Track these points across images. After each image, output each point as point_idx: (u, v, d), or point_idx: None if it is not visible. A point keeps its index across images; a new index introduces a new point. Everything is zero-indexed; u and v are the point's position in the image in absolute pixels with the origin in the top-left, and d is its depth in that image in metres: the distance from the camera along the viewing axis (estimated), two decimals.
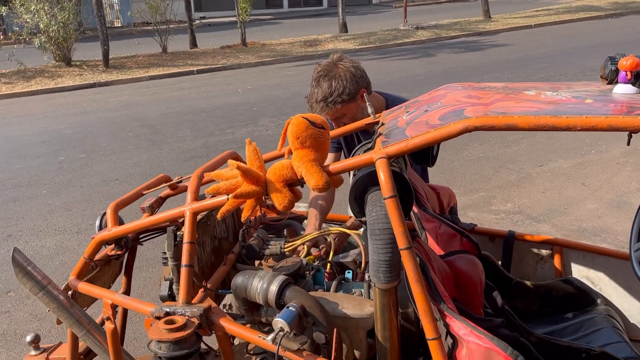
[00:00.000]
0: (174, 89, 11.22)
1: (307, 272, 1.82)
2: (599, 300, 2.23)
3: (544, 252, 2.40)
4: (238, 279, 1.59)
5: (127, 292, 2.31)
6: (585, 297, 2.25)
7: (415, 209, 2.02)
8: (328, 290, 1.77)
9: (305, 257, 1.95)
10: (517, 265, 2.45)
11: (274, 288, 1.53)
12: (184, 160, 6.32)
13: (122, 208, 1.87)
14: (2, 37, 14.09)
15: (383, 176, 1.41)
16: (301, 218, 2.42)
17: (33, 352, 2.21)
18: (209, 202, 1.65)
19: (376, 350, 1.57)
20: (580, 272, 2.34)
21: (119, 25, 24.53)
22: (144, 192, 1.99)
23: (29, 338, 2.19)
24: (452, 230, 1.96)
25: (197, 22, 23.78)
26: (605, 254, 2.26)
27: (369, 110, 2.02)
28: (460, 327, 1.34)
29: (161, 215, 1.73)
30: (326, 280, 1.89)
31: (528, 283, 2.32)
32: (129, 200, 1.92)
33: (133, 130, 7.86)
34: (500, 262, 2.42)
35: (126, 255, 2.26)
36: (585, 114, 1.34)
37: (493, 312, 1.96)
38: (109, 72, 13.04)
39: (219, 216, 1.54)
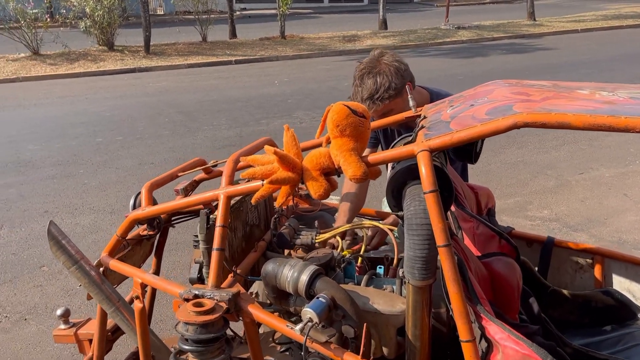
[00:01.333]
0: (211, 77, 11.32)
1: (338, 265, 1.79)
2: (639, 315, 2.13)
3: (584, 261, 2.31)
4: (269, 266, 1.56)
5: (156, 273, 2.33)
6: (625, 311, 2.15)
7: (452, 207, 1.96)
8: (358, 284, 1.74)
9: (340, 251, 1.90)
10: (555, 273, 2.36)
11: (304, 277, 1.49)
12: (218, 148, 6.36)
13: (157, 188, 1.87)
14: (49, 19, 14.43)
15: (425, 169, 1.35)
16: (333, 210, 2.38)
17: (62, 326, 2.24)
18: (243, 186, 1.63)
19: (405, 348, 1.53)
20: (621, 284, 2.24)
21: (161, 13, 24.90)
22: (179, 174, 1.99)
23: (59, 312, 2.23)
24: (490, 232, 1.90)
25: (238, 13, 23.95)
26: None
27: (411, 103, 1.96)
28: (497, 331, 1.28)
29: (195, 197, 1.72)
30: (357, 274, 1.85)
31: (565, 292, 2.23)
32: (164, 181, 1.92)
33: (170, 116, 7.96)
34: (537, 269, 2.34)
35: (158, 236, 2.27)
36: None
37: (528, 319, 1.89)
38: (150, 58, 13.24)
39: (253, 201, 1.52)
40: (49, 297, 3.55)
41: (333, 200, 2.43)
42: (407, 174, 1.48)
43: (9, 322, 3.31)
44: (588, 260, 2.29)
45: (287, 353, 1.88)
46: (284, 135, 1.58)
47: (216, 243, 1.58)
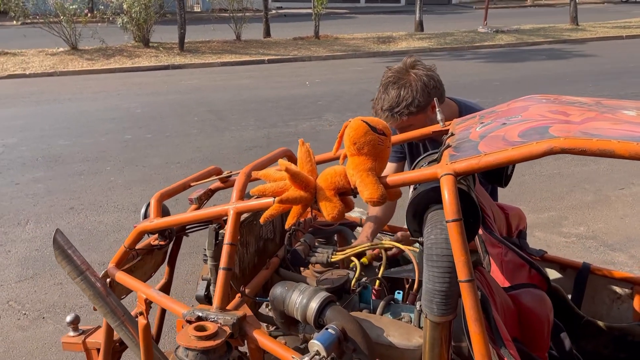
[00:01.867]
0: (243, 76, 11.32)
1: (353, 288, 1.68)
2: None
3: (623, 290, 2.13)
4: (277, 290, 1.46)
5: (169, 282, 2.26)
6: None
7: (480, 230, 1.83)
8: (374, 309, 1.62)
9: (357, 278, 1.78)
10: (590, 302, 2.20)
11: (314, 305, 1.39)
12: (245, 150, 6.31)
13: (167, 199, 1.80)
14: (89, 15, 14.72)
15: (448, 196, 1.23)
16: (353, 225, 2.26)
17: (71, 333, 2.19)
18: (254, 202, 1.53)
19: None
20: None
21: (198, 10, 25.16)
22: (192, 184, 1.91)
23: (68, 318, 2.18)
24: (520, 260, 1.75)
25: (274, 11, 24.02)
26: None
27: (439, 117, 1.83)
28: None
29: (204, 211, 1.64)
30: (373, 298, 1.74)
31: (600, 323, 2.06)
32: (175, 191, 1.85)
33: (199, 115, 7.97)
34: (570, 297, 2.18)
35: (170, 245, 2.20)
36: None
37: (559, 356, 1.74)
38: (183, 55, 13.35)
39: (262, 220, 1.42)
40: (68, 296, 3.54)
41: (355, 213, 2.31)
42: (430, 197, 1.36)
43: (27, 320, 3.31)
44: (627, 290, 2.12)
45: None
46: (298, 150, 1.48)
47: (223, 262, 1.49)
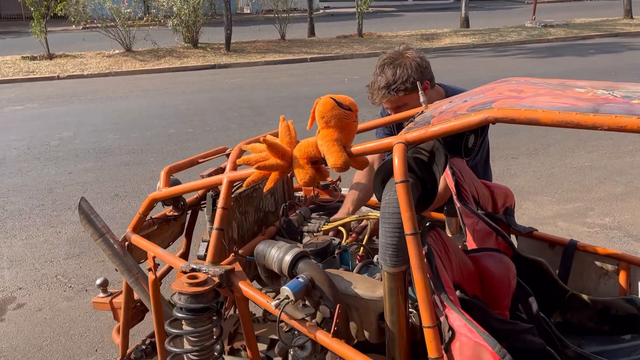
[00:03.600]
0: (284, 74, 11.64)
1: (336, 252, 1.87)
2: None
3: (609, 267, 2.22)
4: (259, 247, 1.68)
5: (186, 252, 2.51)
6: None
7: (457, 203, 1.98)
8: (353, 270, 1.81)
9: (346, 242, 1.98)
10: (578, 278, 2.29)
11: (288, 258, 1.59)
12: None
13: (175, 172, 2.05)
14: (146, 17, 15.48)
15: (397, 161, 1.41)
16: None
17: (101, 295, 2.49)
18: (245, 172, 1.75)
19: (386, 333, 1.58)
20: None
21: (248, 11, 25.78)
22: (200, 161, 2.15)
23: (98, 282, 2.47)
24: (488, 228, 1.90)
25: (321, 11, 24.32)
26: None
27: (422, 99, 1.99)
28: (456, 318, 1.32)
29: (204, 181, 1.87)
30: (357, 262, 1.92)
31: (585, 297, 2.17)
32: (184, 165, 2.09)
33: (239, 111, 8.32)
34: (557, 272, 2.29)
35: (188, 218, 2.45)
36: (620, 114, 1.25)
37: (527, 318, 1.87)
38: (229, 55, 13.82)
39: (244, 185, 1.64)
40: (109, 271, 3.88)
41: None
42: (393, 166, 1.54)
43: (72, 292, 3.68)
44: (613, 266, 2.21)
45: (290, 333, 1.98)
46: (279, 124, 1.68)
47: (216, 223, 1.72)
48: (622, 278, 2.17)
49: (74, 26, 15.20)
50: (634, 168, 5.52)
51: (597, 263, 2.24)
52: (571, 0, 28.29)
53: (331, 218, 2.13)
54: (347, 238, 2.01)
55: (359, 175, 2.30)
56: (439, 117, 1.50)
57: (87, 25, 14.41)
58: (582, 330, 2.14)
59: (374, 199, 2.36)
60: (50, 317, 3.38)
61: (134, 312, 2.31)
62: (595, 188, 5.08)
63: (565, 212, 4.63)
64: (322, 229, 2.04)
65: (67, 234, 4.48)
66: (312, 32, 16.79)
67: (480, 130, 1.99)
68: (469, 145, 1.71)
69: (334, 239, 1.93)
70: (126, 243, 2.07)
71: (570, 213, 4.61)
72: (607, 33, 15.91)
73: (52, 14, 13.82)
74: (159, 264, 1.94)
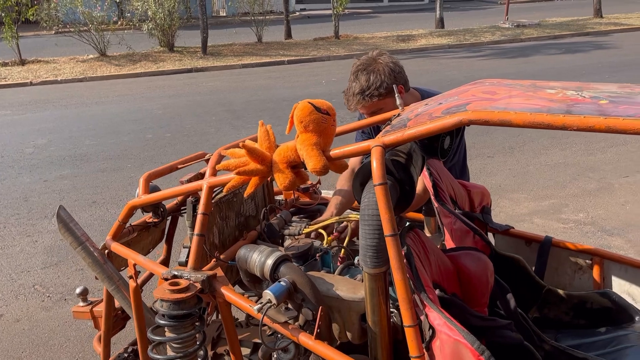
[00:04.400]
0: (262, 77, 11.62)
1: (317, 254, 1.89)
2: (637, 318, 2.09)
3: (583, 262, 2.28)
4: (241, 251, 1.69)
5: (166, 258, 2.51)
6: (622, 313, 2.12)
7: (435, 203, 2.02)
8: (334, 272, 1.83)
9: (329, 242, 2.00)
10: (553, 273, 2.35)
11: (270, 262, 1.61)
12: None
13: (154, 179, 2.04)
14: (120, 21, 15.30)
15: (375, 164, 1.43)
16: None
17: (81, 304, 2.46)
18: (225, 177, 1.76)
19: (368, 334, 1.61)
20: (620, 287, 2.21)
21: (224, 15, 25.67)
22: (179, 166, 2.15)
23: (78, 290, 2.44)
24: (466, 227, 1.93)
25: (297, 13, 24.34)
26: None
27: (398, 102, 2.03)
28: (436, 317, 1.34)
29: (184, 187, 1.87)
30: (339, 264, 1.94)
31: (561, 292, 2.22)
32: (163, 172, 2.09)
33: (217, 115, 8.28)
34: (534, 268, 2.34)
35: (168, 225, 2.45)
36: (589, 114, 1.30)
37: (506, 314, 1.91)
38: (206, 59, 13.75)
39: (225, 191, 1.64)
40: (88, 280, 3.84)
41: (331, 194, 2.52)
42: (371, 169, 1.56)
43: (50, 301, 3.62)
44: (587, 261, 2.27)
45: (272, 337, 1.99)
46: (258, 129, 1.70)
47: (197, 229, 1.72)
48: (596, 272, 2.23)
49: (46, 31, 14.94)
50: (605, 164, 5.66)
51: (572, 258, 2.30)
52: (542, 0, 28.82)
53: (313, 222, 2.14)
54: (326, 239, 2.03)
55: (341, 181, 2.32)
56: (415, 120, 1.53)
57: (60, 30, 14.17)
58: (559, 325, 2.20)
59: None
60: (29, 328, 3.33)
61: (115, 321, 2.30)
62: (569, 185, 5.20)
63: (540, 209, 4.73)
64: (304, 231, 2.06)
65: (43, 243, 4.41)
66: (288, 35, 16.80)
67: (456, 132, 2.03)
68: (445, 146, 1.75)
69: (315, 241, 1.94)
70: (106, 251, 2.06)
71: (546, 210, 4.70)
72: (577, 32, 16.26)
73: (23, 19, 13.58)
74: (139, 271, 1.93)
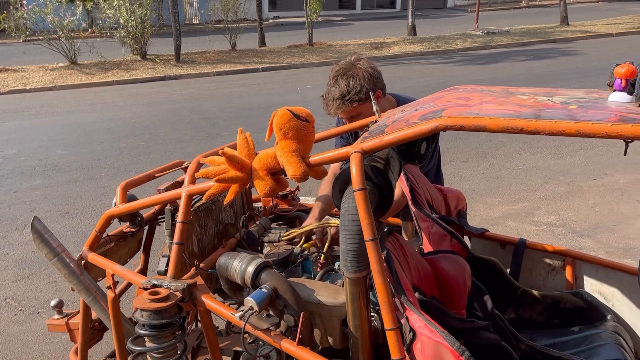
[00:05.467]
0: (237, 85, 11.59)
1: (298, 260, 1.89)
2: (609, 317, 2.15)
3: (556, 262, 2.34)
4: (222, 259, 1.68)
5: (144, 268, 2.48)
6: (594, 312, 2.18)
7: (413, 208, 2.05)
8: (315, 278, 1.84)
9: (301, 245, 2.01)
10: (528, 275, 2.40)
11: (250, 269, 1.61)
12: None
13: (132, 188, 2.02)
14: (90, 29, 15.06)
15: (354, 170, 1.45)
16: (311, 210, 2.48)
17: (56, 316, 2.42)
18: (203, 185, 1.76)
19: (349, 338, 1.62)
20: (592, 286, 2.27)
21: (197, 22, 25.53)
22: (156, 175, 2.14)
23: (53, 303, 2.40)
24: (443, 231, 1.97)
25: (270, 21, 24.37)
26: (620, 269, 2.18)
27: (374, 108, 2.06)
28: (417, 319, 1.37)
29: (162, 195, 1.86)
30: (319, 270, 1.95)
31: (535, 293, 2.28)
32: (140, 181, 2.07)
33: (192, 122, 8.23)
34: (509, 270, 2.39)
35: (145, 234, 2.42)
36: (559, 119, 1.34)
37: (483, 316, 1.95)
38: (179, 67, 13.65)
39: (204, 199, 1.65)
40: (62, 292, 3.76)
41: (309, 200, 2.53)
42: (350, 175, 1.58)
43: (23, 315, 3.54)
44: (560, 262, 2.32)
45: (253, 344, 1.99)
46: (237, 137, 1.70)
47: (176, 237, 1.71)
48: (568, 273, 2.29)
49: (14, 39, 14.62)
50: (574, 167, 5.81)
51: (545, 260, 2.36)
52: (510, 8, 29.45)
53: (291, 229, 2.15)
54: (301, 242, 2.04)
55: (324, 188, 2.33)
56: (393, 126, 1.56)
57: (28, 38, 13.89)
58: (534, 325, 2.25)
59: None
60: (1, 343, 3.25)
61: (92, 332, 2.26)
62: (541, 188, 5.32)
63: (514, 212, 4.82)
64: (283, 238, 2.07)
65: (15, 255, 4.31)
66: (262, 42, 16.80)
67: (432, 137, 2.07)
68: (421, 152, 1.78)
69: (295, 248, 1.95)
70: (82, 262, 2.03)
71: (519, 213, 4.80)
72: (545, 39, 16.66)
73: None
74: (117, 282, 1.91)
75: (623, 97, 1.52)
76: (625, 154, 1.65)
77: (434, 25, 21.52)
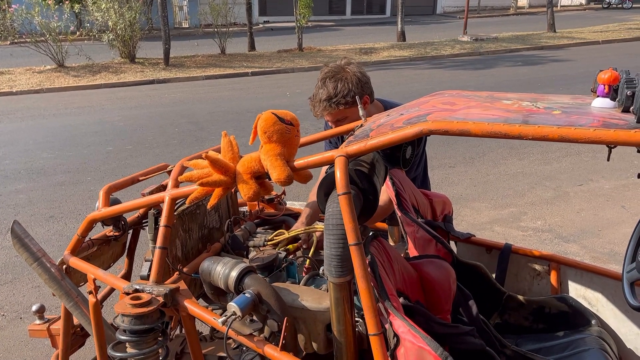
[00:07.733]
0: (226, 89, 11.56)
1: (282, 265, 1.88)
2: (593, 321, 2.16)
3: (542, 267, 2.35)
4: (205, 264, 1.67)
5: (128, 272, 2.45)
6: (579, 317, 2.19)
7: (399, 212, 2.05)
8: (299, 283, 1.82)
9: (285, 245, 2.00)
10: (513, 280, 2.41)
11: (234, 274, 1.59)
12: None
13: (115, 191, 2.00)
14: (78, 32, 14.94)
15: (339, 174, 1.45)
16: (297, 215, 2.47)
17: (38, 321, 2.38)
18: (187, 189, 1.74)
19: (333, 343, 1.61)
20: (577, 291, 2.28)
21: (186, 26, 25.45)
22: (141, 179, 2.11)
23: (34, 308, 2.36)
24: (428, 236, 1.97)
25: (260, 26, 24.37)
26: (604, 274, 2.19)
27: (361, 113, 2.05)
28: (400, 324, 1.36)
29: (145, 199, 1.84)
30: (304, 274, 1.94)
31: (521, 298, 2.28)
32: (124, 184, 2.05)
33: (180, 126, 8.19)
34: (494, 275, 2.39)
35: (129, 238, 2.40)
36: (543, 124, 1.34)
37: (468, 321, 1.94)
38: (168, 70, 13.59)
39: (187, 202, 1.63)
40: (45, 297, 3.71)
41: (296, 205, 2.52)
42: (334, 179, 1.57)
43: (5, 320, 3.48)
44: (545, 267, 2.33)
45: (237, 350, 1.97)
46: (221, 140, 1.69)
47: (159, 242, 1.69)
48: (553, 278, 2.30)
49: (0, 41, 14.48)
50: (561, 173, 5.86)
51: (531, 264, 2.37)
52: (499, 15, 29.71)
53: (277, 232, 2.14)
54: (286, 244, 2.03)
55: (314, 194, 2.32)
56: (378, 130, 1.55)
57: (15, 41, 13.76)
58: (519, 330, 2.25)
59: None
60: None
61: (74, 338, 2.23)
62: (528, 193, 5.35)
63: (500, 217, 4.84)
64: (268, 243, 2.05)
65: None
66: (252, 47, 16.78)
67: (417, 142, 2.07)
68: (406, 156, 1.78)
69: (280, 252, 1.94)
70: (64, 266, 2.00)
71: (505, 218, 4.82)
72: (532, 46, 16.82)
73: None
74: (99, 287, 1.88)
75: (606, 102, 1.53)
76: (608, 160, 1.66)
77: (423, 31, 21.65)
